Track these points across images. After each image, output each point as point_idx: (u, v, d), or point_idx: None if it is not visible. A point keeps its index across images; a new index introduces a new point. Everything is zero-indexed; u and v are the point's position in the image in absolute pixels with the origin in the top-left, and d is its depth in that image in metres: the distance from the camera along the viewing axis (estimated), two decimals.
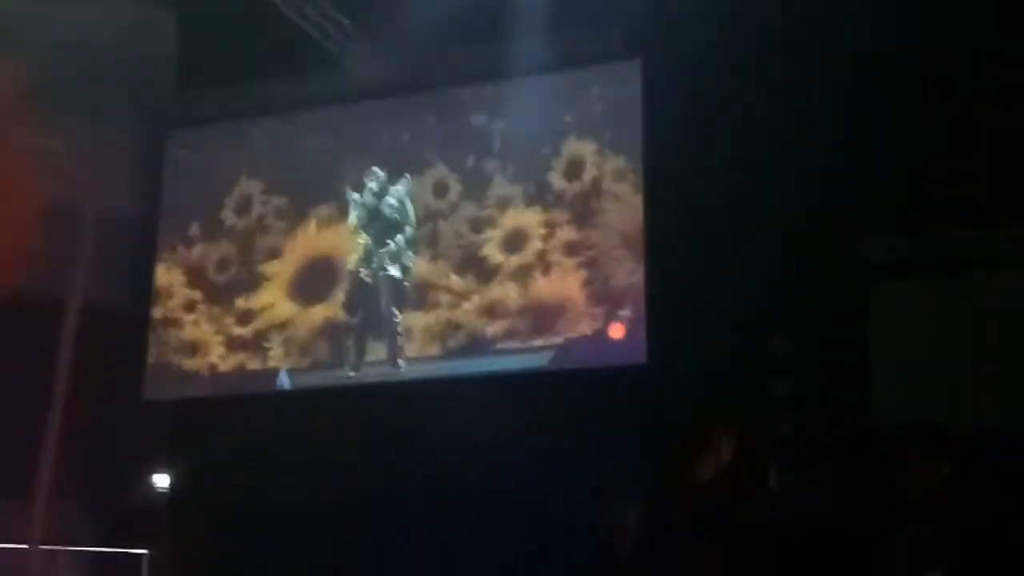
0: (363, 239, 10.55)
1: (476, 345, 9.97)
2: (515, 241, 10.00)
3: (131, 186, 11.10)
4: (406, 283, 10.32)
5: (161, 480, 10.78)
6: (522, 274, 9.92)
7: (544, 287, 9.83)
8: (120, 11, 10.67)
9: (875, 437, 8.06)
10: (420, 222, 10.38)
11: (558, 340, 9.68)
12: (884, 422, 8.16)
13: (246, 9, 9.92)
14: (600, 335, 9.53)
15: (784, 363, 8.65)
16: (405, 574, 9.06)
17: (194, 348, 10.92)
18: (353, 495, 9.46)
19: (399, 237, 10.41)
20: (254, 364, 10.70)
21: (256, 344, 10.72)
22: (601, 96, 9.95)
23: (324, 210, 10.78)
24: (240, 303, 10.87)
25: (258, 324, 10.77)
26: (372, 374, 10.31)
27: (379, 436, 9.57)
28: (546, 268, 9.85)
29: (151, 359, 10.98)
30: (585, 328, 9.60)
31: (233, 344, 10.80)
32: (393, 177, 10.51)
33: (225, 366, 10.79)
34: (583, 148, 9.91)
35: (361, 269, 10.50)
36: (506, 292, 9.93)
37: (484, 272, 10.05)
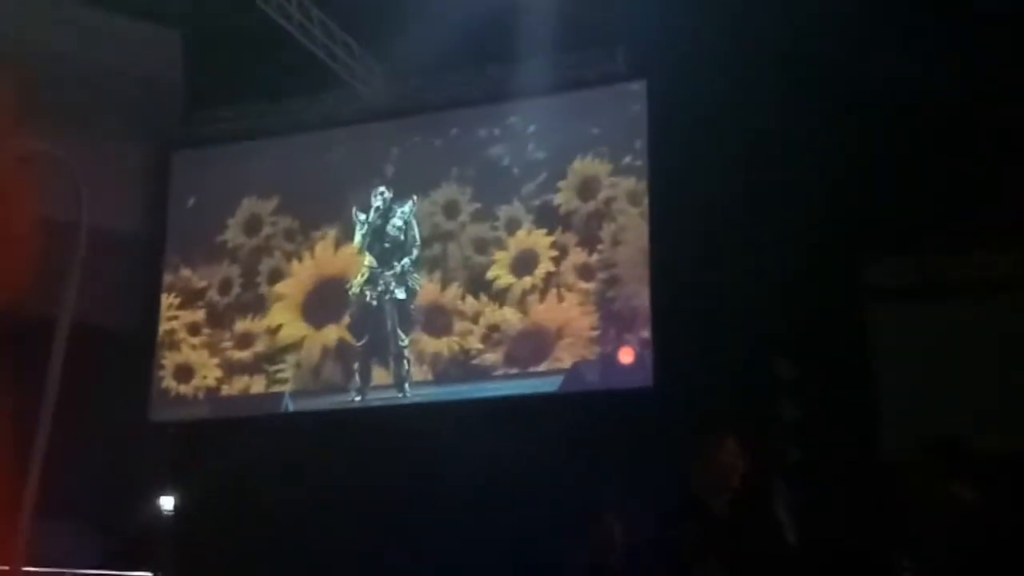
0: (368, 261, 10.52)
1: (484, 370, 9.88)
2: (524, 263, 9.94)
3: (137, 206, 11.12)
4: (412, 306, 10.27)
5: (165, 502, 10.73)
6: (531, 297, 9.85)
7: (552, 311, 9.75)
8: (128, 33, 10.72)
9: (884, 460, 8.03)
10: (426, 243, 10.33)
11: (567, 365, 9.61)
12: (890, 446, 8.12)
13: (253, 31, 9.96)
14: (609, 359, 9.46)
15: (790, 386, 8.62)
16: None
17: (200, 370, 10.86)
18: (359, 518, 9.42)
19: (405, 259, 10.37)
20: (259, 387, 10.64)
21: (262, 366, 10.67)
22: (607, 117, 9.94)
23: (331, 231, 10.74)
24: (244, 324, 10.82)
25: (265, 345, 10.72)
26: (378, 399, 10.24)
27: (385, 459, 9.53)
28: (555, 291, 9.77)
29: (156, 381, 10.93)
30: (594, 352, 9.54)
31: (237, 367, 10.75)
32: (399, 198, 10.48)
33: (230, 389, 10.74)
34: (590, 169, 9.88)
35: (366, 291, 10.46)
36: (515, 315, 9.87)
37: (492, 295, 9.99)
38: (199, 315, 10.98)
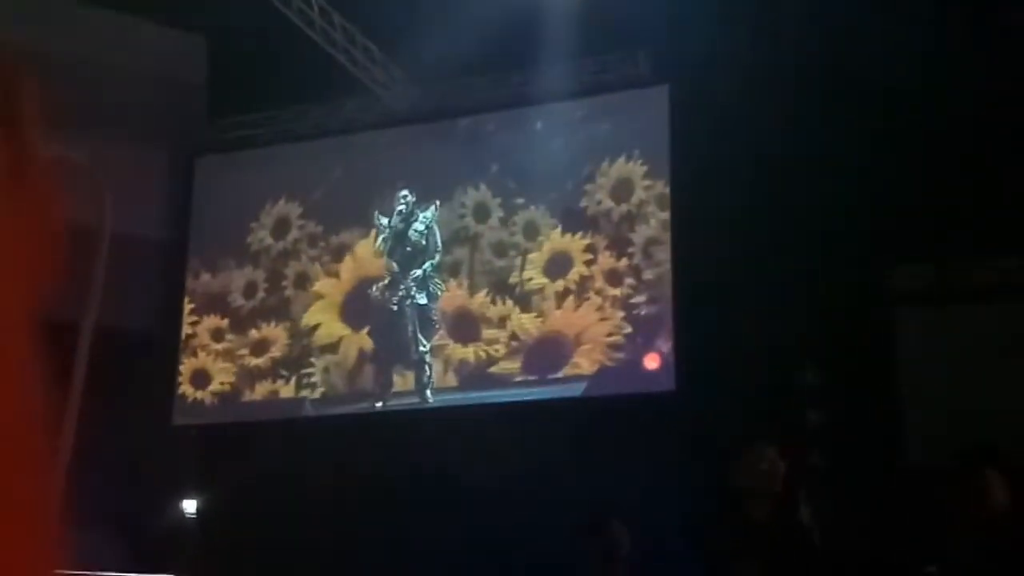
0: (389, 265, 10.51)
1: (505, 376, 9.84)
2: (558, 266, 9.84)
3: (161, 211, 11.17)
4: (434, 311, 10.25)
5: (188, 505, 10.77)
6: (562, 301, 9.78)
7: (569, 317, 9.70)
8: (152, 39, 10.78)
9: (910, 465, 7.99)
10: (448, 248, 10.31)
11: (585, 371, 9.57)
12: (916, 451, 8.09)
13: (275, 36, 10.00)
14: (635, 365, 9.40)
15: (815, 392, 8.58)
16: None
17: (218, 375, 10.88)
18: (382, 521, 9.43)
19: (427, 263, 10.35)
20: (281, 391, 10.65)
21: (282, 371, 10.68)
22: (629, 121, 9.91)
23: (355, 235, 10.73)
24: (268, 329, 10.83)
25: (290, 349, 10.71)
26: (399, 405, 10.21)
27: (407, 463, 9.54)
28: (587, 295, 9.72)
29: (180, 385, 10.95)
30: (618, 358, 9.47)
31: (258, 372, 10.76)
32: (421, 203, 10.47)
33: (252, 393, 10.75)
34: (615, 173, 9.81)
35: (388, 295, 10.44)
36: (532, 322, 9.84)
37: (517, 299, 9.95)
38: (222, 320, 10.99)
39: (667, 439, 8.51)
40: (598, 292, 9.65)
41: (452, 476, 9.22)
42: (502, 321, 9.93)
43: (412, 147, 10.73)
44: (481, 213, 10.25)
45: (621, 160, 9.82)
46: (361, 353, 10.47)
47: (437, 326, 10.18)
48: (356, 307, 10.59)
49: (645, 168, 9.73)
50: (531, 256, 9.97)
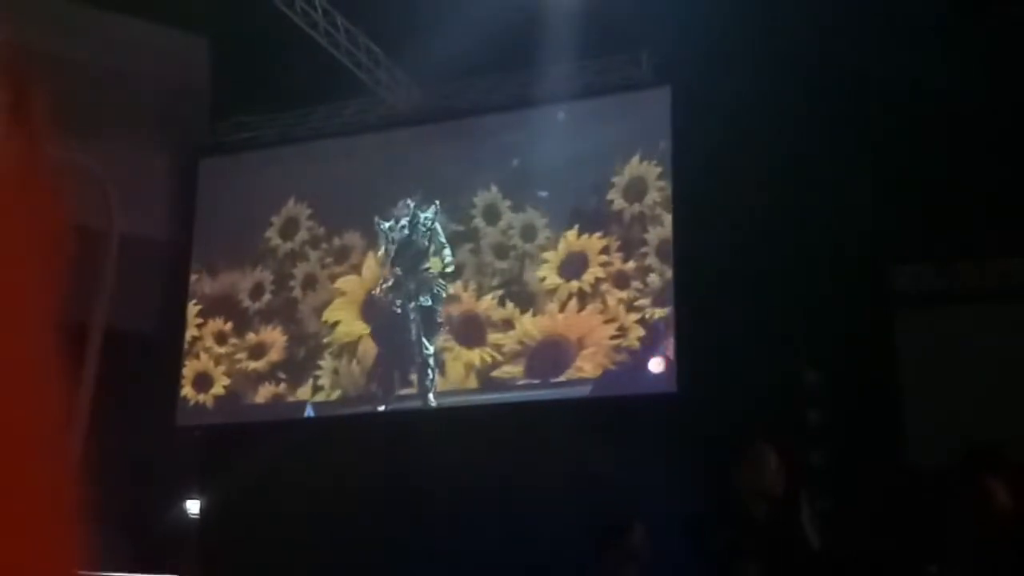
0: (393, 268, 10.48)
1: (508, 380, 9.82)
2: (573, 266, 9.77)
3: (165, 213, 11.18)
4: (438, 313, 10.21)
5: (192, 506, 10.79)
6: (557, 305, 9.75)
7: (580, 319, 9.64)
8: (155, 40, 10.80)
9: (912, 466, 7.99)
10: (452, 250, 10.28)
11: (588, 375, 9.53)
12: (918, 452, 8.09)
13: (278, 38, 10.02)
14: (638, 368, 9.36)
15: (816, 393, 8.59)
16: None
17: (219, 379, 10.88)
18: (385, 523, 9.44)
19: (430, 265, 10.33)
20: (288, 392, 10.63)
21: (285, 373, 10.68)
22: (634, 124, 9.88)
23: (358, 237, 10.72)
24: (273, 331, 10.83)
25: (297, 351, 10.69)
26: (401, 408, 10.18)
27: (410, 465, 9.55)
28: (585, 299, 9.66)
29: (184, 385, 10.95)
30: (622, 361, 9.43)
31: (261, 373, 10.75)
32: (424, 204, 10.47)
33: (255, 395, 10.75)
34: (629, 174, 9.76)
35: (391, 297, 10.42)
36: (539, 324, 9.78)
37: (517, 303, 9.91)
38: (225, 324, 10.98)
39: (668, 440, 8.52)
40: (605, 294, 9.62)
41: (455, 479, 9.23)
42: (506, 324, 9.90)
43: (415, 148, 10.72)
44: (491, 214, 10.21)
45: (635, 160, 9.77)
46: (371, 351, 10.44)
47: (441, 329, 10.16)
48: (372, 307, 10.58)
49: (659, 169, 9.69)
50: (546, 255, 9.91)
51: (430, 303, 10.22)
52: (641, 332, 9.42)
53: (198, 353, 10.97)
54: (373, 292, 10.51)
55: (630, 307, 9.50)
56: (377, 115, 10.89)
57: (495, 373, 9.86)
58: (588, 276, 9.70)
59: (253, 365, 10.73)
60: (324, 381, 10.50)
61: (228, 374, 10.83)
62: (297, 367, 10.63)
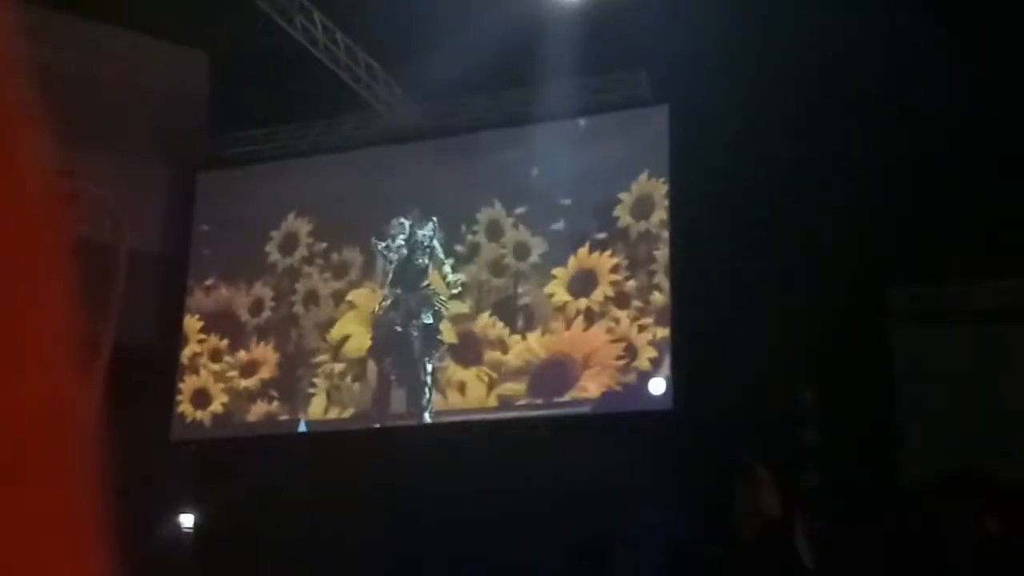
0: (393, 287, 10.41)
1: (510, 398, 9.75)
2: (583, 283, 9.71)
3: (162, 227, 11.18)
4: (439, 331, 10.15)
5: (186, 520, 10.75)
6: (562, 323, 9.68)
7: (585, 338, 9.57)
8: (154, 54, 10.82)
9: (906, 488, 7.99)
10: (453, 267, 10.23)
11: (592, 394, 9.47)
12: (914, 473, 8.09)
13: (277, 53, 10.04)
14: (640, 389, 9.30)
15: (812, 413, 8.58)
16: None
17: (218, 396, 10.82)
18: (381, 540, 9.42)
19: (430, 282, 10.30)
20: (283, 409, 10.58)
21: (277, 391, 10.64)
22: (630, 140, 9.88)
23: (356, 253, 10.68)
24: (268, 348, 10.80)
25: (295, 367, 10.63)
26: (398, 425, 10.13)
27: (406, 483, 9.53)
28: (591, 318, 9.59)
29: (182, 402, 10.88)
30: (624, 382, 9.37)
31: (257, 391, 10.68)
32: (422, 221, 10.46)
33: (248, 413, 10.68)
34: (636, 189, 9.73)
35: (391, 315, 10.37)
36: (543, 342, 9.72)
37: (519, 321, 9.87)
38: (221, 340, 10.92)
39: (663, 459, 8.51)
40: (613, 313, 9.56)
41: (451, 497, 9.21)
42: (507, 342, 9.86)
43: (413, 164, 10.70)
44: (494, 231, 10.18)
45: (643, 177, 9.72)
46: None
47: (440, 347, 10.12)
48: (376, 324, 10.51)
49: (667, 187, 9.63)
50: (555, 271, 9.85)
51: (431, 321, 10.16)
52: (653, 353, 9.32)
53: (198, 369, 10.93)
54: (374, 310, 10.48)
55: (639, 327, 9.43)
56: (375, 130, 10.90)
57: (497, 391, 9.81)
58: (597, 294, 9.65)
59: (245, 383, 10.67)
60: (322, 399, 10.44)
61: (227, 392, 10.77)
62: (293, 385, 10.58)
